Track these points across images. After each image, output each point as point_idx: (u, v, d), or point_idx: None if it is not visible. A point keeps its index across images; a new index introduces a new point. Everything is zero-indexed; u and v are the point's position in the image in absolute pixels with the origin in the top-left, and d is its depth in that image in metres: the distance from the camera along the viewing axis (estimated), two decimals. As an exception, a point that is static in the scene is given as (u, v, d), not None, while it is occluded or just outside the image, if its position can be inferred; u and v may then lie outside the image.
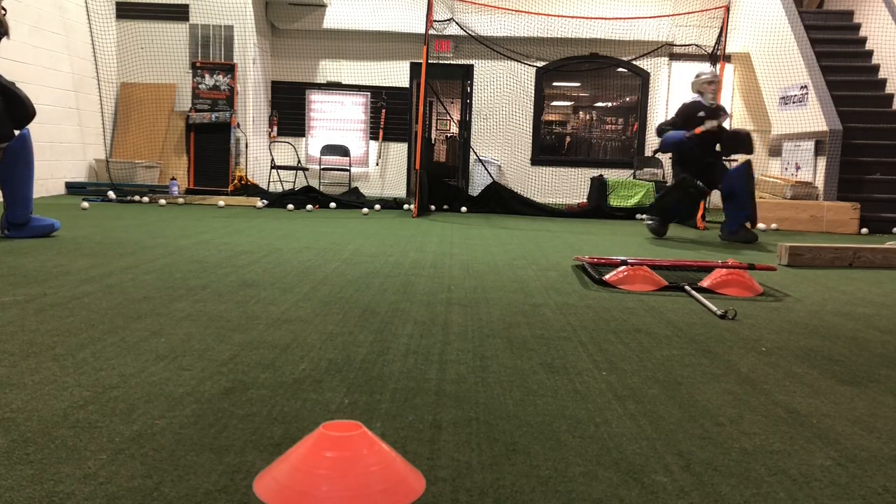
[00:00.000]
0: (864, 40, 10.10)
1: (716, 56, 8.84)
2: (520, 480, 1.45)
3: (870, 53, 9.90)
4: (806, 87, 9.20)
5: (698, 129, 6.52)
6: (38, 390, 1.86)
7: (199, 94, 9.45)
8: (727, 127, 6.83)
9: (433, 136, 16.63)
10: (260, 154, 10.89)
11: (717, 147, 6.70)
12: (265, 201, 8.52)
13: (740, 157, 7.01)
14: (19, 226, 4.83)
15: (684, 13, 10.37)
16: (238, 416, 1.73)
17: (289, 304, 3.04)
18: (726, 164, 6.88)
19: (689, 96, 6.95)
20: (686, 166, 6.69)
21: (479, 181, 10.62)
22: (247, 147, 10.25)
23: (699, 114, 6.62)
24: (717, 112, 6.64)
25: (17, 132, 4.84)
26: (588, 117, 12.21)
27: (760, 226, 8.04)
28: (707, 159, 6.66)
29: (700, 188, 6.60)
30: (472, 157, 10.91)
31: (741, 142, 6.62)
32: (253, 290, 3.29)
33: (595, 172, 10.32)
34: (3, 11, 4.69)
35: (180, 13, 10.25)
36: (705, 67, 6.87)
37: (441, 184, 9.32)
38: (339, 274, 3.85)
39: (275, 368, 2.13)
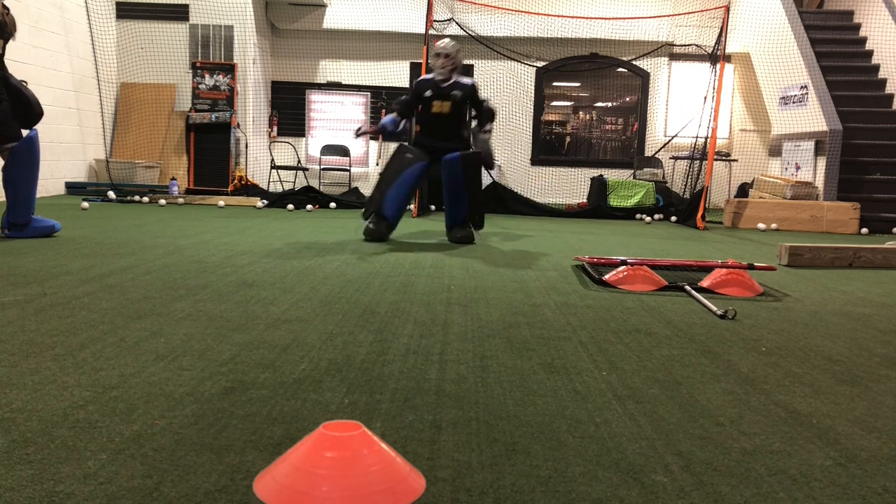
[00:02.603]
0: (864, 40, 10.10)
1: (716, 56, 8.84)
2: (520, 480, 1.45)
3: (870, 53, 9.90)
4: (806, 87, 9.21)
5: (370, 130, 5.88)
6: (38, 390, 1.86)
7: (199, 94, 9.45)
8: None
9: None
10: (260, 154, 10.89)
11: (468, 126, 5.91)
12: (265, 201, 8.52)
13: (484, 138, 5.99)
14: (19, 226, 4.82)
15: (684, 13, 10.36)
16: (238, 416, 1.73)
17: (289, 304, 3.04)
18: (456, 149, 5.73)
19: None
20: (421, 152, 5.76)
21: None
22: (247, 147, 10.25)
23: (426, 93, 5.74)
24: (447, 91, 5.68)
25: (24, 132, 4.85)
26: (588, 117, 12.20)
27: (760, 226, 8.05)
28: (437, 145, 5.70)
29: (417, 153, 5.61)
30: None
31: (486, 154, 5.74)
32: (253, 290, 3.29)
33: (595, 172, 10.32)
34: (5, 10, 4.69)
35: (180, 13, 10.25)
36: (445, 41, 5.80)
37: (441, 184, 9.31)
38: (339, 274, 3.85)
39: (275, 368, 2.13)
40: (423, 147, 5.77)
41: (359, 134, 5.92)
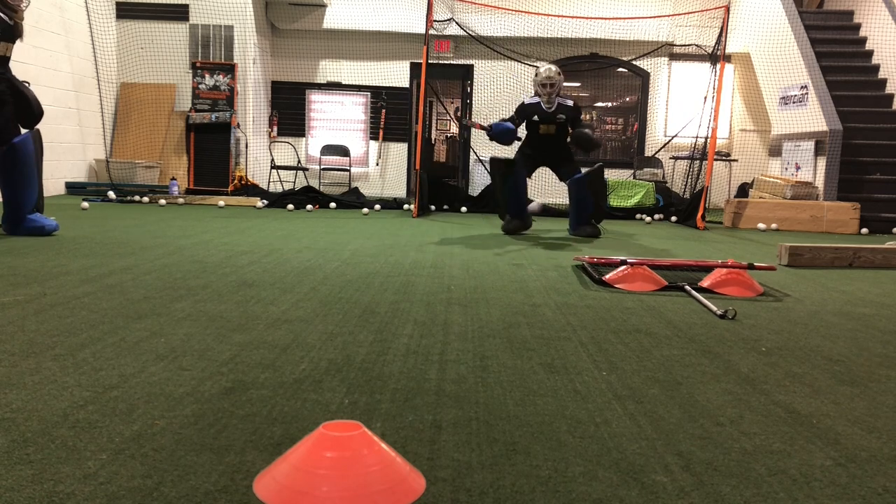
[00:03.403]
0: (864, 40, 10.10)
1: (716, 56, 8.84)
2: (520, 480, 1.45)
3: (870, 53, 9.90)
4: (806, 87, 9.20)
5: (477, 125, 6.63)
6: (38, 390, 1.86)
7: (199, 94, 9.45)
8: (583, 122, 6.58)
9: (433, 136, 16.63)
10: (260, 154, 10.89)
11: (569, 141, 6.50)
12: (265, 201, 8.52)
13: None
14: (14, 225, 4.86)
15: (684, 13, 10.36)
16: (238, 416, 1.73)
17: (289, 304, 3.04)
18: (576, 163, 6.60)
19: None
20: (521, 161, 6.53)
21: (479, 181, 10.60)
22: (247, 147, 10.25)
23: (534, 117, 6.42)
24: (553, 116, 6.36)
25: (23, 131, 4.87)
26: (588, 117, 12.20)
27: (760, 226, 8.05)
28: (549, 156, 6.51)
29: (515, 162, 6.43)
30: (472, 157, 10.91)
31: (583, 143, 6.29)
32: (253, 290, 3.29)
33: (595, 172, 10.30)
34: (22, 7, 4.73)
35: (180, 13, 10.25)
36: (545, 66, 6.46)
37: (441, 184, 9.32)
38: (339, 274, 3.85)
39: (275, 368, 2.13)
40: (529, 156, 6.54)
41: (464, 123, 6.47)
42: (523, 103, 6.58)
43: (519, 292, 3.53)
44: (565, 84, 12.54)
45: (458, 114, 6.56)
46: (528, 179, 6.60)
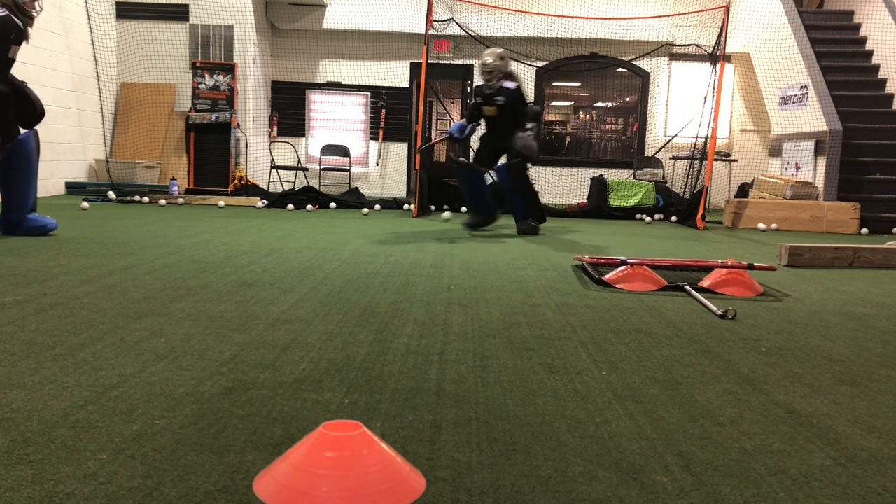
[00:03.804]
0: (864, 40, 10.10)
1: (716, 56, 8.84)
2: (520, 480, 1.45)
3: (870, 53, 9.90)
4: (806, 87, 9.21)
5: (438, 141, 6.99)
6: (38, 390, 1.86)
7: (199, 94, 9.45)
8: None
9: (433, 137, 16.62)
10: (260, 154, 10.89)
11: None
12: (265, 201, 8.52)
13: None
14: (13, 225, 4.85)
15: (684, 13, 10.36)
16: (238, 416, 1.73)
17: (289, 304, 3.04)
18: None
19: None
20: (480, 151, 6.74)
21: (478, 181, 10.57)
22: (247, 147, 10.25)
23: (477, 99, 6.52)
24: (492, 97, 6.35)
25: (23, 130, 4.88)
26: (588, 117, 12.21)
27: (760, 226, 8.05)
28: (496, 144, 6.57)
29: (462, 162, 6.74)
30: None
31: (521, 149, 6.29)
32: (253, 290, 3.29)
33: (595, 172, 10.31)
34: (35, 14, 4.78)
35: (180, 13, 10.25)
36: (487, 51, 6.46)
37: (441, 184, 9.32)
38: (339, 274, 3.85)
39: (275, 368, 2.13)
40: (485, 144, 6.66)
41: (424, 147, 7.07)
42: (476, 85, 6.83)
43: (519, 292, 3.53)
44: (566, 84, 12.56)
45: (422, 146, 7.23)
46: (486, 171, 6.62)
